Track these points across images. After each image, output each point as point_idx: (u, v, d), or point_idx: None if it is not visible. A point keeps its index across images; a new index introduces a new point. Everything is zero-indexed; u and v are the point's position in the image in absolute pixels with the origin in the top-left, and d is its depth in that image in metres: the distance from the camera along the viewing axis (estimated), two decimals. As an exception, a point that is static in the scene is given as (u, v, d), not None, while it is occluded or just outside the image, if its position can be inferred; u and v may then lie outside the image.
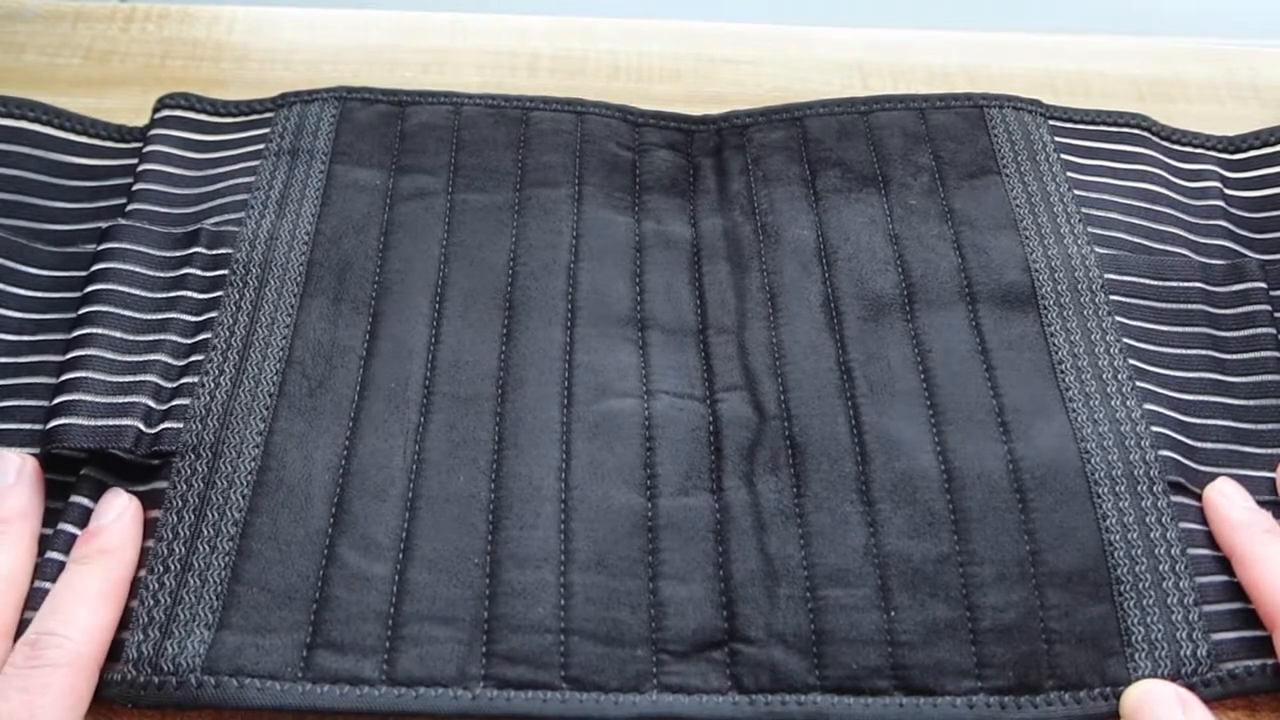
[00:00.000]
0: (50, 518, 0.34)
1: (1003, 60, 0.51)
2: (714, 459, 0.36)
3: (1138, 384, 0.37)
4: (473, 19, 0.52)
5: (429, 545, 0.34)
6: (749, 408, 0.37)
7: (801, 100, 0.46)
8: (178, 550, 0.33)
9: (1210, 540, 0.35)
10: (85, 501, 0.34)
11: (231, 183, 0.42)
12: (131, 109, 0.45)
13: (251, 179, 0.42)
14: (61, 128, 0.43)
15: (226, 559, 0.33)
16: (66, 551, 0.33)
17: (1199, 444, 0.37)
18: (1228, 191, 0.44)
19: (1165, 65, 0.51)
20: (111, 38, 0.50)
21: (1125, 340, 0.38)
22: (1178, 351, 0.39)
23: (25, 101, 0.43)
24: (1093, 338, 0.38)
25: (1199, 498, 0.35)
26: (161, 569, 0.33)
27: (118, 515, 0.33)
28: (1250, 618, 0.33)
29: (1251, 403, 0.38)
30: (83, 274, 0.39)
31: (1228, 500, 0.35)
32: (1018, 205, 0.42)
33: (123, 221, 0.40)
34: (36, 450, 0.35)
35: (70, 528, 0.33)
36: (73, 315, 0.38)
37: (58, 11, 0.51)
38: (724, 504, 0.35)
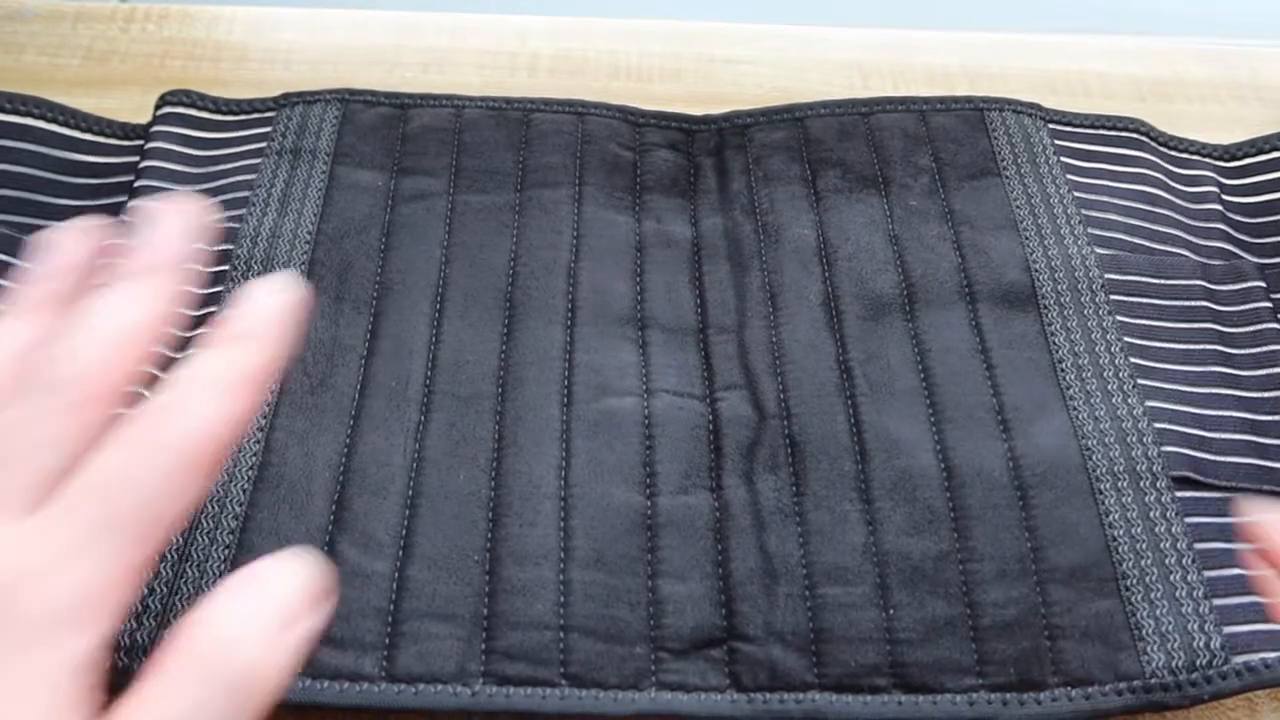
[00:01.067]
0: None
1: (1003, 60, 0.51)
2: (713, 457, 0.36)
3: (1140, 381, 0.37)
4: (473, 19, 0.52)
5: (429, 542, 0.34)
6: (749, 406, 0.37)
7: (802, 100, 0.46)
8: (175, 540, 0.33)
9: (1222, 534, 0.34)
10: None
11: (233, 180, 0.42)
12: (131, 109, 0.45)
13: (253, 177, 0.42)
14: (66, 125, 0.43)
15: (226, 551, 0.33)
16: None
17: (1213, 435, 0.37)
18: (1225, 197, 0.44)
19: (1165, 65, 0.51)
20: (111, 38, 0.50)
21: (1127, 339, 0.38)
22: (1184, 347, 0.39)
23: (30, 98, 0.43)
24: (1093, 336, 0.38)
25: (1213, 489, 0.35)
26: (158, 558, 0.33)
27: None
28: (1266, 611, 0.33)
29: (1265, 395, 0.38)
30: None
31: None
32: (1018, 206, 0.42)
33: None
34: None
35: None
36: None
37: (58, 11, 0.51)
38: (723, 502, 0.35)
